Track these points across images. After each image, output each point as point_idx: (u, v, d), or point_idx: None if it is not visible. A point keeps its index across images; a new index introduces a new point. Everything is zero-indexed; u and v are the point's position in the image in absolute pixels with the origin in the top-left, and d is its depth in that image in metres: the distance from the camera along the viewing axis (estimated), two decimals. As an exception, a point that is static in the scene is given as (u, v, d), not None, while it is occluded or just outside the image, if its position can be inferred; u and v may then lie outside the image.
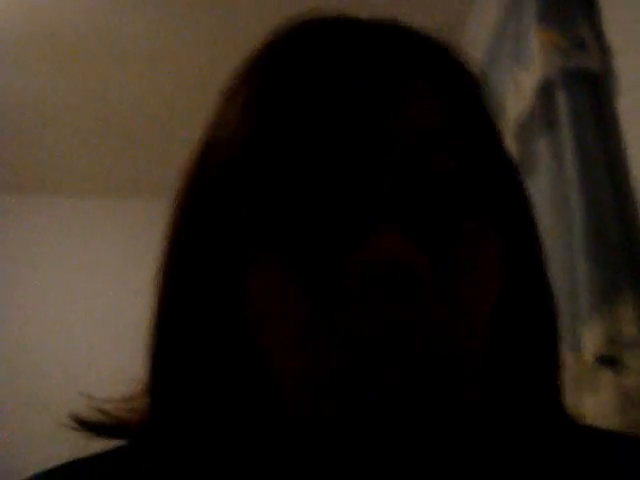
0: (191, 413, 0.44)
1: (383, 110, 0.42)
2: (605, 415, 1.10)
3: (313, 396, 0.39)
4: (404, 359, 0.37)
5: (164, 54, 2.35)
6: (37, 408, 2.66)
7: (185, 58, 2.37)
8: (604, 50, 1.34)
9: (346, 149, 0.41)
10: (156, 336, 0.46)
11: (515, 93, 1.59)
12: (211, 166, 0.45)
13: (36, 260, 3.09)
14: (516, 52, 1.59)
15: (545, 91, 1.42)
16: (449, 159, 0.42)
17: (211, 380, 0.44)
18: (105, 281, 3.04)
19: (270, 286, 0.41)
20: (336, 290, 0.38)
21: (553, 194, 1.36)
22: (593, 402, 1.13)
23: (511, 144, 1.57)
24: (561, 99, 1.36)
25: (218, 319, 0.44)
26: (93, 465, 0.45)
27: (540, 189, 1.46)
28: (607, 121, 1.28)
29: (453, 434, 0.39)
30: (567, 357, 1.21)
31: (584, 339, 1.17)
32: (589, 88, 1.33)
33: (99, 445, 0.46)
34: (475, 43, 1.98)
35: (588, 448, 0.46)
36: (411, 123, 0.42)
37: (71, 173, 3.03)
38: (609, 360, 1.13)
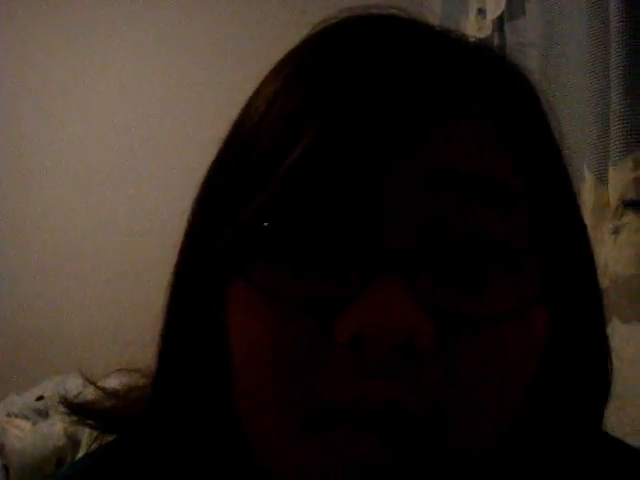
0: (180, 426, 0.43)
1: (413, 145, 0.36)
2: (623, 259, 1.08)
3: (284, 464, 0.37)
4: (397, 445, 0.34)
5: None
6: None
7: None
8: None
9: (360, 184, 0.35)
10: (162, 343, 0.45)
11: None
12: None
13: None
14: None
15: None
16: (486, 212, 0.36)
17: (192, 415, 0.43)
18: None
19: (255, 327, 0.37)
20: (323, 341, 0.35)
21: (591, 18, 1.25)
22: (612, 243, 1.11)
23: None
24: None
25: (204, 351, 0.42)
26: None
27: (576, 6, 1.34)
28: None
29: None
30: (591, 190, 1.18)
31: (612, 179, 1.12)
32: None
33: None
34: None
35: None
36: (442, 164, 0.36)
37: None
38: (635, 203, 1.09)
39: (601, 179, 1.17)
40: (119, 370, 0.49)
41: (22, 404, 2.17)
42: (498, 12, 1.82)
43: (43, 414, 2.13)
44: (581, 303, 0.42)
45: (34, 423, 2.07)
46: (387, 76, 0.37)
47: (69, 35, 2.94)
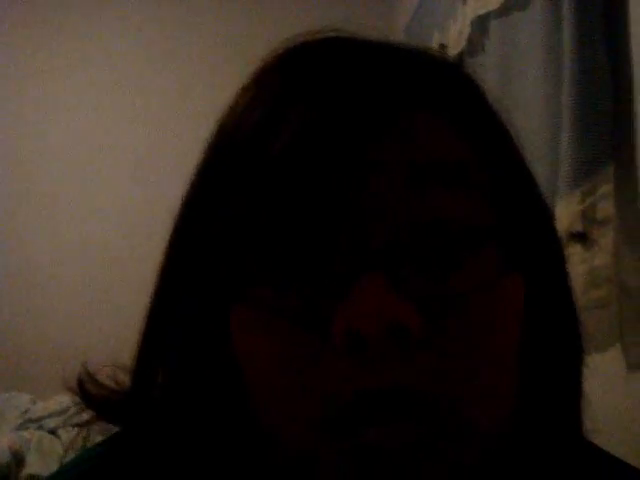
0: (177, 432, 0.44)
1: (375, 141, 0.37)
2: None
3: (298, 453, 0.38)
4: (402, 427, 0.35)
5: None
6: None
7: None
8: None
9: (331, 184, 0.37)
10: (143, 354, 0.45)
11: None
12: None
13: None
14: None
15: None
16: (452, 196, 0.38)
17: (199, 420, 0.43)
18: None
19: (255, 334, 0.39)
20: (323, 345, 0.36)
21: (545, 42, 1.29)
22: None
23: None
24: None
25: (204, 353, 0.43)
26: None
27: (532, 33, 1.39)
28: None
29: None
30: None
31: (559, 212, 1.16)
32: None
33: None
34: None
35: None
36: (406, 156, 0.37)
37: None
38: (580, 236, 1.13)
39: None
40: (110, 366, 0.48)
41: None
42: (459, 48, 1.87)
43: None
44: (549, 269, 0.44)
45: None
46: (341, 87, 0.39)
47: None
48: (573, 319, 0.46)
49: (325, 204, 0.37)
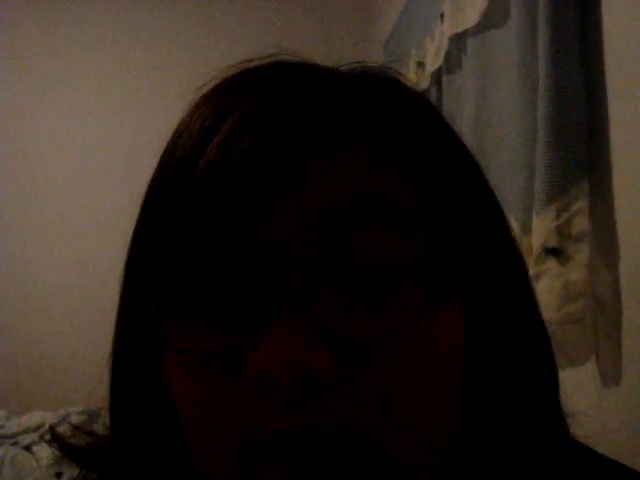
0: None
1: (297, 183, 0.37)
2: (544, 304, 1.12)
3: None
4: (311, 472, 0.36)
5: None
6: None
7: None
8: None
9: (241, 221, 0.37)
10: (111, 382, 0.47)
11: None
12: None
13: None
14: None
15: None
16: (371, 235, 0.37)
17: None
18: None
19: (181, 372, 0.40)
20: (237, 389, 0.37)
21: (521, 59, 1.30)
22: (535, 289, 1.15)
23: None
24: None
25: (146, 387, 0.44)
26: None
27: (509, 49, 1.40)
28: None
29: None
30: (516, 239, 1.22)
31: (535, 227, 1.17)
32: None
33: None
34: None
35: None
36: (326, 197, 0.37)
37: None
38: (556, 251, 1.13)
39: (525, 228, 1.22)
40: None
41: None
42: (436, 65, 1.89)
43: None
44: (498, 294, 0.43)
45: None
46: (268, 117, 0.39)
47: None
48: (538, 332, 0.46)
49: (238, 240, 0.37)
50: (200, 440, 0.40)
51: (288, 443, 0.36)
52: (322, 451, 0.35)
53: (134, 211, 0.43)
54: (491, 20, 1.53)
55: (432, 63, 1.91)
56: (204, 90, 0.44)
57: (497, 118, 1.46)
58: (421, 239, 0.39)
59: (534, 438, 0.43)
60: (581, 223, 1.13)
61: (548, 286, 1.13)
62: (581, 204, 1.13)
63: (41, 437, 2.17)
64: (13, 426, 2.25)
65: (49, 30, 3.03)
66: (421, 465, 0.38)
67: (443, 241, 0.40)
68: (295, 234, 0.37)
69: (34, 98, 3.00)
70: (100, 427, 0.49)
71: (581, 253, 1.12)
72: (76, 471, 0.48)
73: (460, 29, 1.69)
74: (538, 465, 0.43)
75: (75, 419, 1.90)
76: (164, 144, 0.44)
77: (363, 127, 0.40)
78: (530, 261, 1.16)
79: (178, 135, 0.42)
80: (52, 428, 0.50)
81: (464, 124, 1.62)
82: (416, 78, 2.02)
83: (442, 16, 1.78)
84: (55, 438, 0.49)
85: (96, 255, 2.83)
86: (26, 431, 2.21)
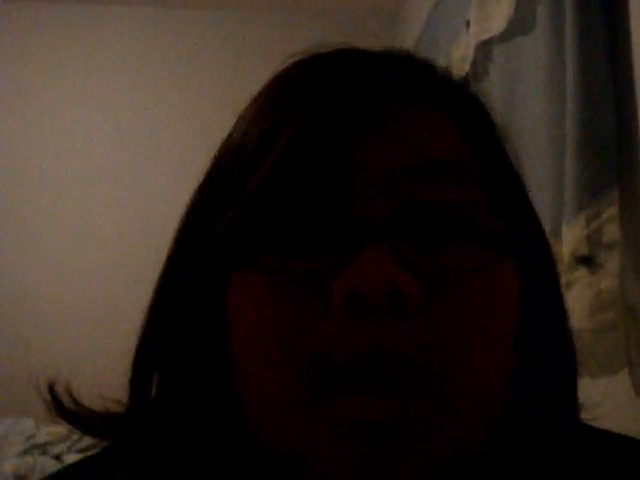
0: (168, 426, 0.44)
1: (382, 133, 0.40)
2: (576, 313, 1.11)
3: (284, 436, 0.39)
4: (395, 390, 0.36)
5: None
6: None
7: None
8: None
9: (341, 169, 0.39)
10: (141, 346, 0.46)
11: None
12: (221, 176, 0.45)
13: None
14: None
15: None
16: (450, 183, 0.40)
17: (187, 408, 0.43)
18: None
19: (253, 302, 0.40)
20: (322, 309, 0.37)
21: (549, 66, 1.30)
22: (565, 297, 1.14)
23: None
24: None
25: (200, 338, 0.44)
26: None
27: (536, 56, 1.39)
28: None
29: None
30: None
31: (565, 235, 1.16)
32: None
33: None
34: None
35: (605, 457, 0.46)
36: (415, 149, 0.40)
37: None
38: (586, 260, 1.12)
39: (556, 236, 1.21)
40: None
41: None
42: (462, 73, 1.88)
43: (-8, 455, 2.08)
44: (539, 261, 0.46)
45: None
46: (345, 85, 0.42)
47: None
48: (563, 312, 0.48)
49: (329, 185, 0.39)
50: (268, 377, 0.39)
51: (368, 364, 0.36)
52: (397, 375, 0.36)
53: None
54: (518, 27, 1.52)
55: (458, 70, 1.90)
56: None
57: (525, 126, 1.45)
58: (486, 201, 0.42)
59: (563, 412, 0.46)
60: (611, 231, 1.12)
61: (579, 294, 1.12)
62: (611, 212, 1.12)
63: (70, 447, 2.18)
64: (42, 435, 2.27)
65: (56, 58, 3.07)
66: (477, 408, 0.39)
67: (502, 209, 0.42)
68: (381, 173, 0.39)
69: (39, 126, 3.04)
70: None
71: (612, 261, 1.11)
72: None
73: (486, 36, 1.68)
74: (561, 438, 0.45)
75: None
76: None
77: (438, 95, 0.44)
78: (560, 270, 1.15)
79: (253, 115, 0.44)
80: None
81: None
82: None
83: (468, 23, 1.78)
84: (63, 413, 0.47)
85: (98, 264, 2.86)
86: (56, 440, 2.23)
